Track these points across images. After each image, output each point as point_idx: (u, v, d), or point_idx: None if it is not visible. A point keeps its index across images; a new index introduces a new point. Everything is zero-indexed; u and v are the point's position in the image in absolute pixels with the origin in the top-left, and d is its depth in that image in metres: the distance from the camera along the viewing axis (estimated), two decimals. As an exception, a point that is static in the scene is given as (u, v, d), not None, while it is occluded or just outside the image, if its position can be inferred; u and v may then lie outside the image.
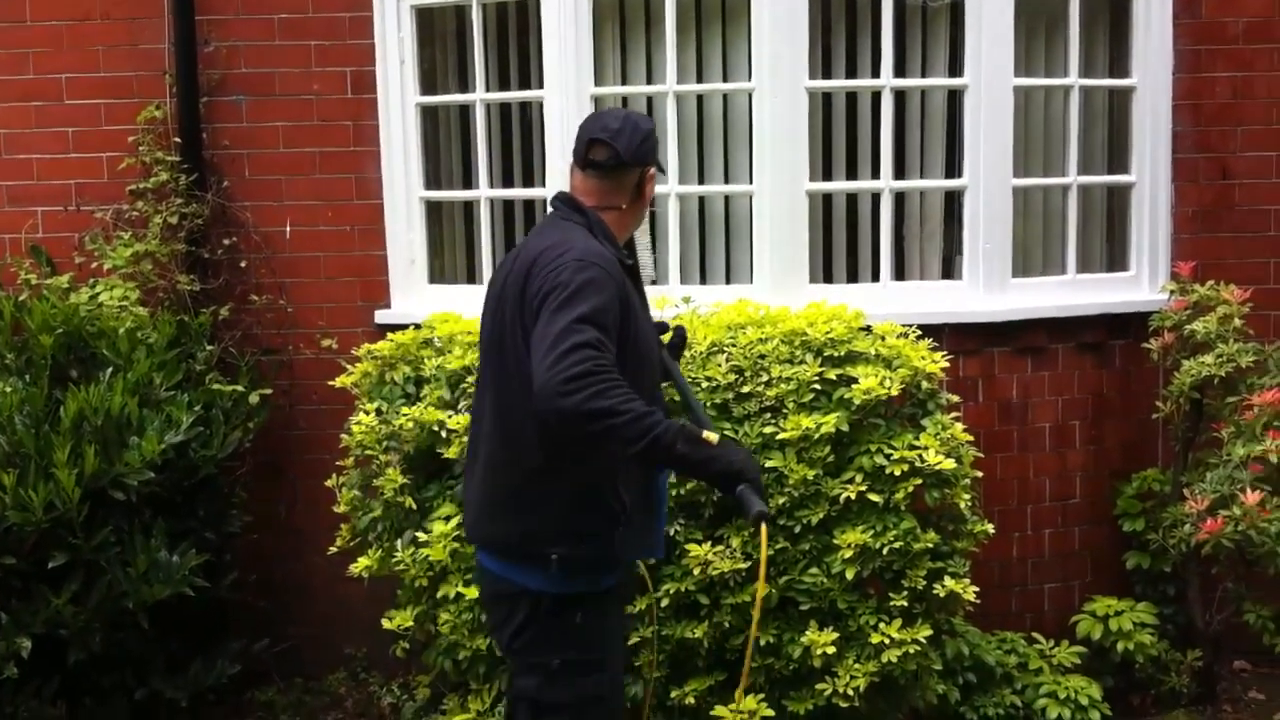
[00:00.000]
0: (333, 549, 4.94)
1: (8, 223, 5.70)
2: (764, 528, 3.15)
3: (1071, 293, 5.54)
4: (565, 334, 2.98)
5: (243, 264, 5.64)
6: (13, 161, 5.72)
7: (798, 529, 4.38)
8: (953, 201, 5.61)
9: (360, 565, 4.72)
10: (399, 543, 4.61)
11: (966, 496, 4.49)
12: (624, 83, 5.60)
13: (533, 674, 3.39)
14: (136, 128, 5.60)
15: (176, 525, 4.85)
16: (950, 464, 4.34)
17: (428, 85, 5.76)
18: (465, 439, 4.45)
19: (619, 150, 3.38)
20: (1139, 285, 5.68)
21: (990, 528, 4.65)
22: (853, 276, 5.67)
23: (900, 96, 5.54)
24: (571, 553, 3.27)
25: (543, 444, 3.22)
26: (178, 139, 5.58)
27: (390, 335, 5.02)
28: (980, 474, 4.68)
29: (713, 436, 3.10)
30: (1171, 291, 5.38)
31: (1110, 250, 5.89)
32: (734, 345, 4.56)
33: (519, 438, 3.28)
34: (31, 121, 5.70)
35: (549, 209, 3.55)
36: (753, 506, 3.07)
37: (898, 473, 4.35)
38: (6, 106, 5.70)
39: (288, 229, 5.69)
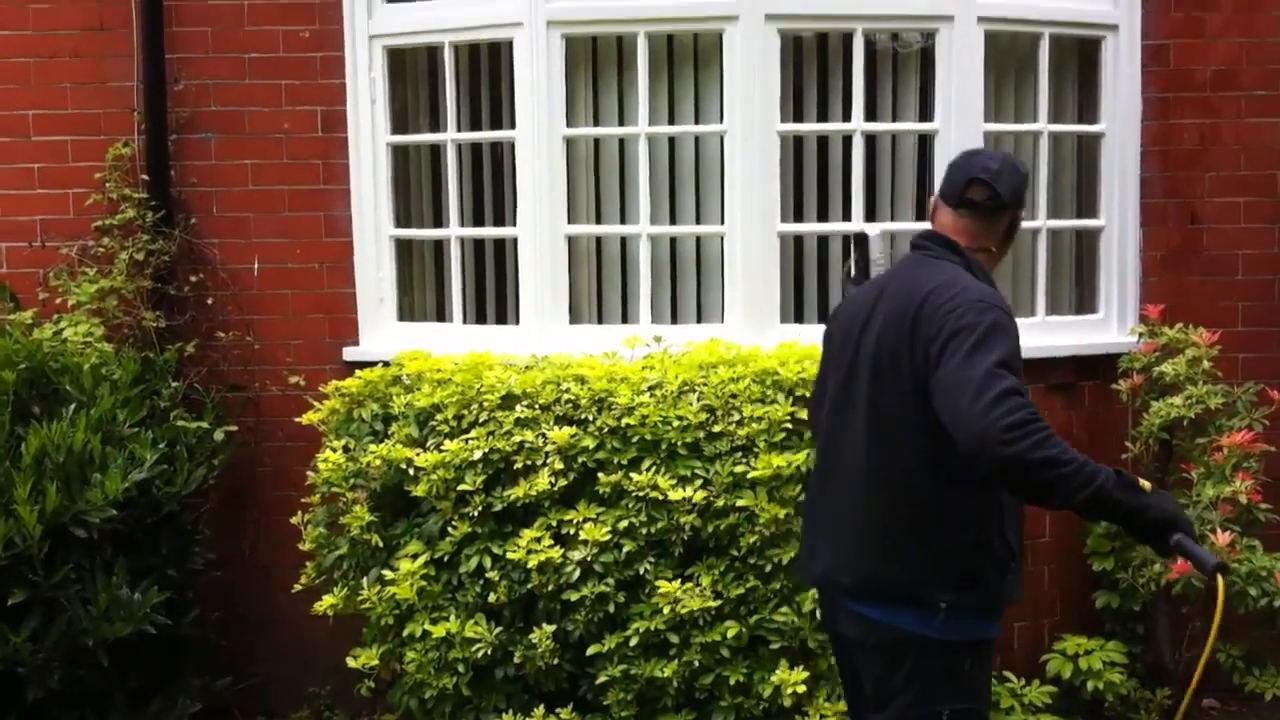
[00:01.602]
0: (297, 586, 4.88)
1: (-29, 259, 5.66)
2: (1221, 580, 2.97)
3: (1041, 334, 5.55)
4: (991, 379, 2.89)
5: (209, 300, 5.60)
6: (-23, 197, 5.68)
7: (769, 568, 4.35)
8: (923, 244, 5.62)
9: (325, 603, 4.66)
10: (365, 580, 4.57)
11: (938, 536, 4.46)
12: (596, 124, 5.61)
13: None
14: (104, 164, 5.57)
15: (138, 562, 4.78)
16: (922, 503, 4.32)
17: (399, 124, 5.76)
18: (436, 476, 4.44)
19: (1000, 191, 3.28)
20: (1108, 327, 5.70)
21: (962, 568, 4.63)
22: (824, 317, 5.66)
23: (871, 140, 5.58)
24: (960, 600, 3.15)
25: (933, 486, 3.11)
26: (145, 176, 5.55)
27: (358, 372, 4.99)
28: (952, 514, 4.66)
29: (1145, 484, 2.97)
30: (1140, 334, 5.40)
31: (1079, 293, 5.92)
32: (705, 384, 4.54)
33: (903, 479, 3.16)
34: (-3, 157, 5.67)
35: (913, 247, 3.40)
36: (1209, 559, 2.93)
37: (869, 511, 4.33)
38: (-28, 143, 5.67)
39: (256, 266, 5.65)
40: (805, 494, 3.48)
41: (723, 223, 5.38)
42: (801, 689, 4.23)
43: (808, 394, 4.50)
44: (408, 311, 5.82)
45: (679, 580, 4.33)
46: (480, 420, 4.56)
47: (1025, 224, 5.59)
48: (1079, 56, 5.79)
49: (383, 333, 5.66)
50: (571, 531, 4.38)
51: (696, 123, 5.56)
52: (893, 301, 3.23)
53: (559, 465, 4.43)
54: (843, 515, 3.29)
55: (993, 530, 3.18)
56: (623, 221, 5.61)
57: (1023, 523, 3.33)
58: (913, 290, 3.19)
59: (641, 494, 4.35)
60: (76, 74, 5.64)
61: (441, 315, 5.84)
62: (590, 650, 4.37)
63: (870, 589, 3.24)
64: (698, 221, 5.61)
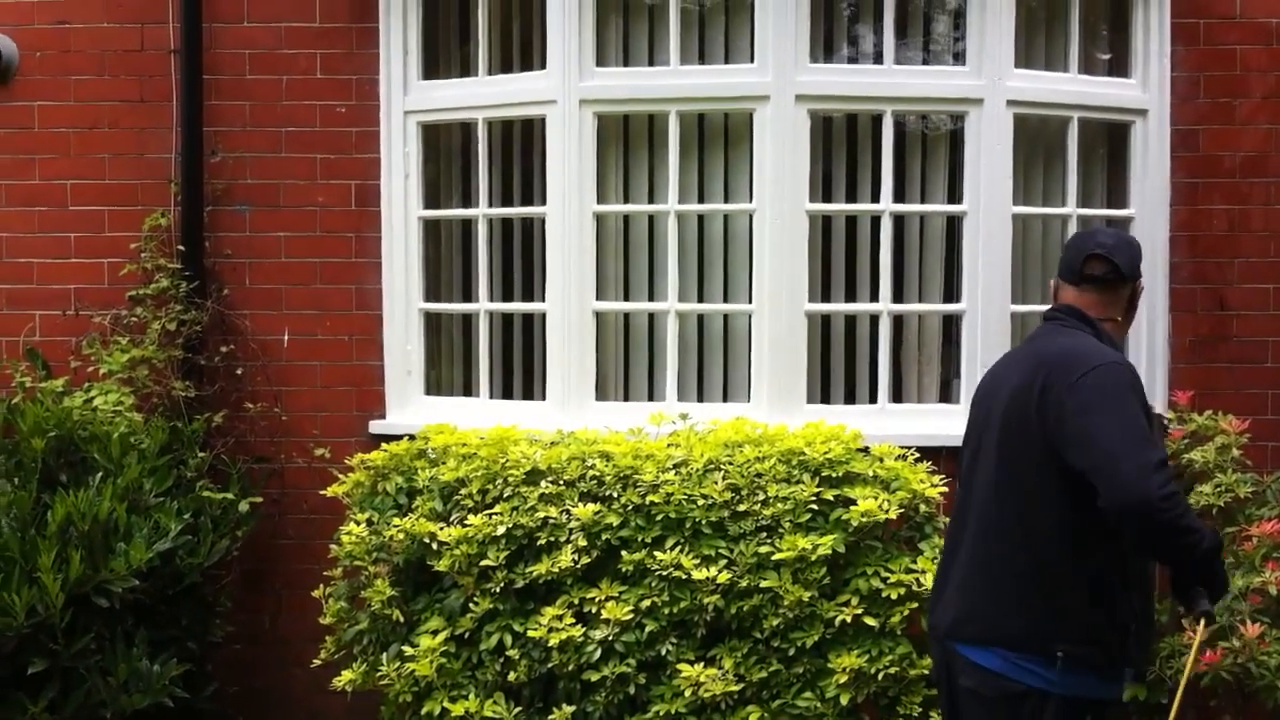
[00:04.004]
0: (317, 661, 4.86)
1: (6, 325, 5.71)
2: (1202, 624, 3.32)
3: (1069, 419, 5.51)
4: (1147, 447, 3.13)
5: (239, 371, 5.63)
6: (13, 265, 5.75)
7: (792, 651, 4.32)
8: (951, 325, 5.62)
9: (344, 679, 4.65)
10: (385, 656, 4.55)
11: (964, 622, 4.42)
12: (626, 200, 5.65)
13: None
14: (139, 234, 5.63)
15: (159, 633, 4.78)
16: (947, 588, 4.28)
17: (431, 199, 5.82)
18: (459, 551, 4.43)
19: (1119, 265, 3.48)
20: (1137, 414, 5.65)
21: (987, 655, 4.58)
22: (850, 398, 5.65)
23: (900, 220, 5.59)
24: (1076, 651, 3.25)
25: (1059, 540, 3.26)
26: (181, 246, 5.61)
27: (384, 445, 5.00)
28: (978, 600, 4.61)
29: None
30: (1169, 420, 5.36)
31: (1108, 378, 5.87)
32: (731, 463, 4.53)
33: (1030, 533, 3.30)
34: (34, 226, 5.74)
35: (1045, 319, 3.60)
36: (1199, 605, 3.28)
37: (894, 596, 4.31)
38: (10, 210, 5.74)
39: (286, 337, 5.69)
40: (944, 548, 3.63)
41: (750, 301, 5.39)
42: (824, 776, 4.18)
43: (834, 475, 4.52)
44: (435, 385, 5.84)
45: (701, 662, 4.29)
46: (505, 495, 4.56)
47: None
48: (1108, 141, 5.80)
49: (410, 406, 5.67)
50: (593, 610, 4.36)
51: (726, 201, 5.59)
52: (1025, 365, 3.42)
53: (582, 542, 4.42)
54: (975, 570, 3.41)
55: (1115, 590, 3.28)
56: (651, 298, 5.63)
57: (1152, 589, 3.44)
58: (1044, 353, 3.40)
59: (665, 573, 4.33)
60: (115, 145, 5.74)
61: (468, 390, 5.85)
62: (610, 732, 4.33)
63: (993, 637, 3.33)
64: (725, 299, 5.62)
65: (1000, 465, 3.37)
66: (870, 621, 4.30)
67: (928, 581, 4.26)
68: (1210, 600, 3.30)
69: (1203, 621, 3.30)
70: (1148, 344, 5.66)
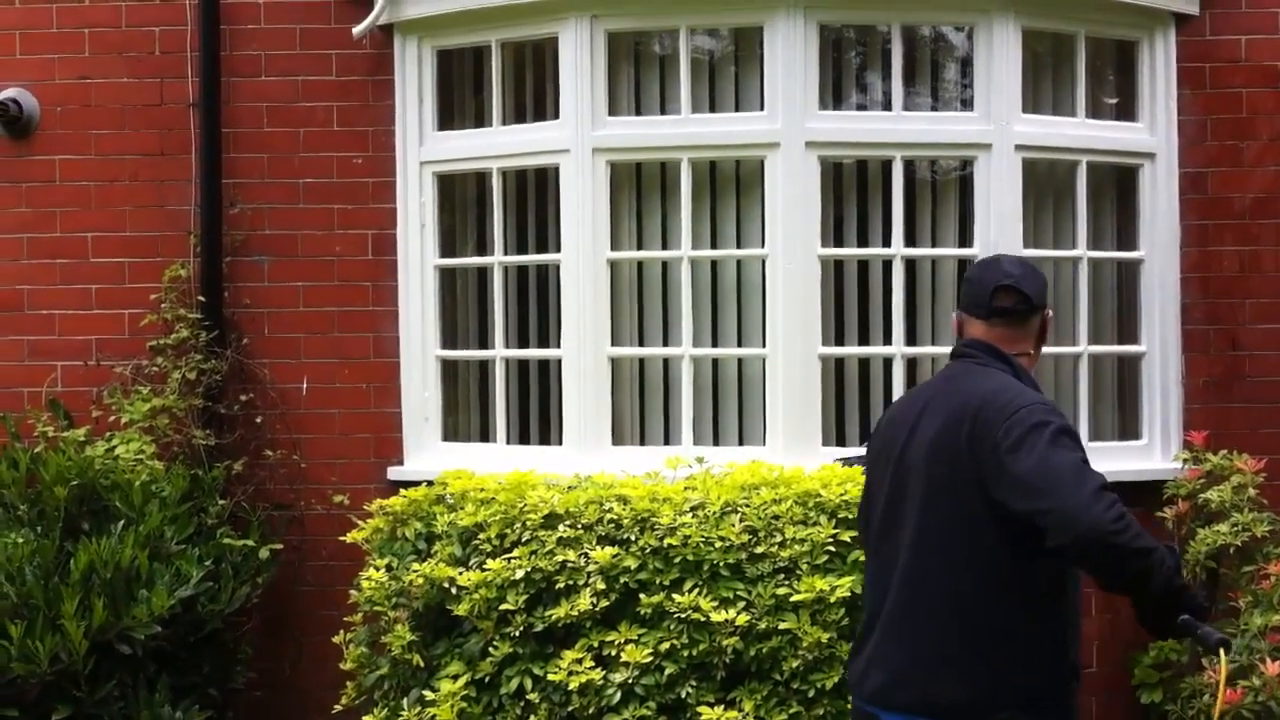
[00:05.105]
0: (338, 707, 4.87)
1: (28, 376, 5.77)
2: (1222, 656, 3.08)
3: (1084, 460, 5.53)
4: (1084, 473, 2.96)
5: (258, 419, 5.68)
6: (36, 317, 5.82)
7: (812, 693, 4.32)
8: (964, 368, 5.64)
9: (365, 724, 4.66)
10: (405, 701, 4.56)
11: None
12: (640, 247, 5.70)
13: None
14: (159, 285, 5.70)
15: (180, 680, 4.81)
16: (966, 628, 4.29)
17: (447, 247, 5.88)
18: (478, 596, 4.45)
19: (1029, 294, 3.30)
20: (1151, 454, 5.67)
21: (1007, 695, 4.57)
22: (865, 440, 5.66)
23: (911, 264, 5.63)
24: (1020, 718, 3.07)
25: (994, 598, 3.07)
26: (200, 297, 5.68)
27: (403, 491, 5.03)
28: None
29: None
30: (1185, 460, 5.38)
31: (1122, 419, 5.90)
32: (748, 505, 4.55)
33: (961, 592, 3.10)
34: (56, 278, 5.82)
35: (956, 356, 3.37)
36: (1212, 636, 3.04)
37: (913, 636, 4.30)
38: (32, 263, 5.82)
39: (305, 386, 5.74)
40: (866, 607, 3.38)
41: (764, 345, 5.43)
42: (845, 818, 4.18)
43: (850, 516, 4.52)
44: (452, 431, 5.88)
45: (721, 705, 4.29)
46: (523, 539, 4.58)
47: (1067, 349, 5.65)
48: (1117, 184, 5.85)
49: (427, 452, 5.71)
50: (613, 653, 4.37)
51: (738, 246, 5.64)
52: (942, 411, 3.20)
53: (601, 585, 4.43)
54: (901, 631, 3.19)
55: (1058, 646, 3.13)
56: (665, 343, 5.67)
57: (1079, 640, 3.27)
58: (965, 397, 3.17)
59: (683, 615, 4.34)
60: (136, 197, 5.82)
61: (486, 435, 5.89)
62: (631, 776, 4.33)
63: (928, 705, 3.12)
64: (739, 344, 5.65)
65: (926, 520, 3.15)
66: (889, 662, 4.30)
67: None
68: (1199, 619, 3.05)
69: (1222, 650, 3.06)
70: (1161, 385, 5.69)
